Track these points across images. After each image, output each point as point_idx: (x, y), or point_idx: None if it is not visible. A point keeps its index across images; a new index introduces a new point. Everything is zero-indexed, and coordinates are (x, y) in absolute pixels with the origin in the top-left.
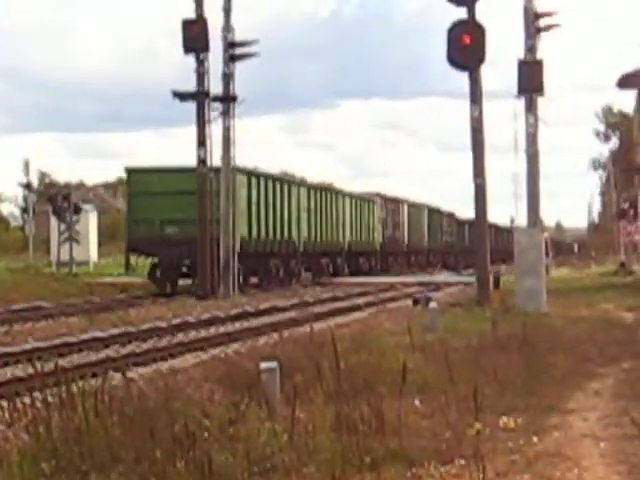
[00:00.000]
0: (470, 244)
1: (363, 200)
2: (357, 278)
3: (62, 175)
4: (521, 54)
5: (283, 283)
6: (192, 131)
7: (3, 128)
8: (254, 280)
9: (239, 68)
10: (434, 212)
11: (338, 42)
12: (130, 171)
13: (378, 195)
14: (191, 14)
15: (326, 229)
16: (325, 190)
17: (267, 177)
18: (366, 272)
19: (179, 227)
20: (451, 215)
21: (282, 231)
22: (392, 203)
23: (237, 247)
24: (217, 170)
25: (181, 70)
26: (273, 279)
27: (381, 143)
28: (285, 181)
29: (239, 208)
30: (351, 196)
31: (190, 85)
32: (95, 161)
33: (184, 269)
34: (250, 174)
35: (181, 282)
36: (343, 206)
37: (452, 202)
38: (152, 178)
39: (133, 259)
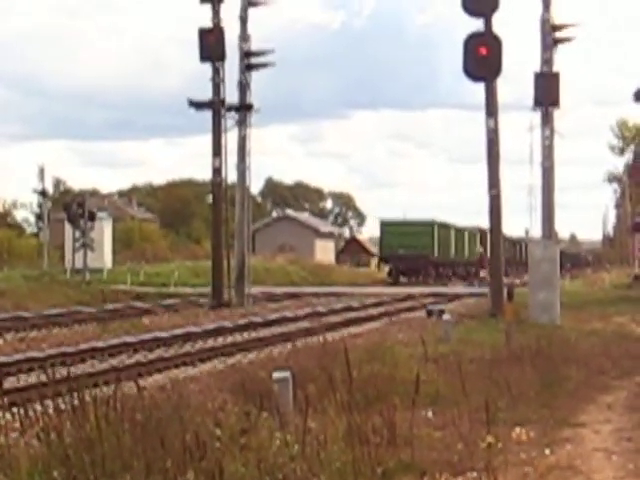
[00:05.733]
0: (519, 258)
1: (472, 232)
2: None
3: (74, 182)
4: (535, 66)
5: (444, 280)
6: (202, 140)
7: (16, 135)
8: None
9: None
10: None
11: (349, 53)
12: (383, 222)
13: (478, 228)
14: (203, 23)
15: (460, 250)
16: (458, 229)
17: (440, 225)
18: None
19: (404, 249)
20: (504, 237)
21: (444, 252)
22: (483, 232)
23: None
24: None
25: (191, 79)
26: (439, 277)
27: (392, 154)
28: (444, 225)
29: (436, 241)
30: (469, 230)
31: (201, 94)
32: (106, 169)
33: (403, 270)
34: (438, 225)
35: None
36: (465, 237)
37: (465, 213)
38: (391, 225)
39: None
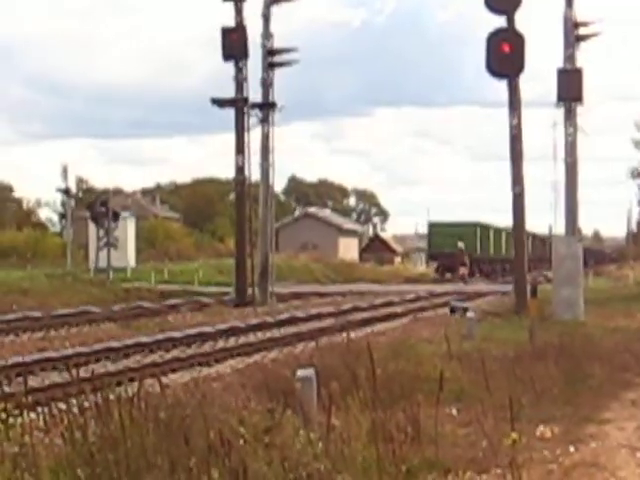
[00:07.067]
0: (549, 256)
1: (509, 232)
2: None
3: (97, 181)
4: (558, 63)
5: (489, 276)
6: (225, 138)
7: (39, 134)
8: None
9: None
10: (529, 234)
11: (370, 51)
12: (431, 223)
13: None
14: (226, 21)
15: (498, 249)
16: (497, 229)
17: (482, 226)
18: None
19: (449, 247)
20: (532, 234)
21: (485, 249)
22: None
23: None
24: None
25: (212, 77)
26: (482, 273)
27: (415, 151)
28: (485, 226)
29: (479, 241)
30: (506, 230)
31: (222, 92)
32: (129, 167)
33: (449, 267)
34: (480, 226)
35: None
36: (502, 236)
37: (488, 211)
38: (438, 226)
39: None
